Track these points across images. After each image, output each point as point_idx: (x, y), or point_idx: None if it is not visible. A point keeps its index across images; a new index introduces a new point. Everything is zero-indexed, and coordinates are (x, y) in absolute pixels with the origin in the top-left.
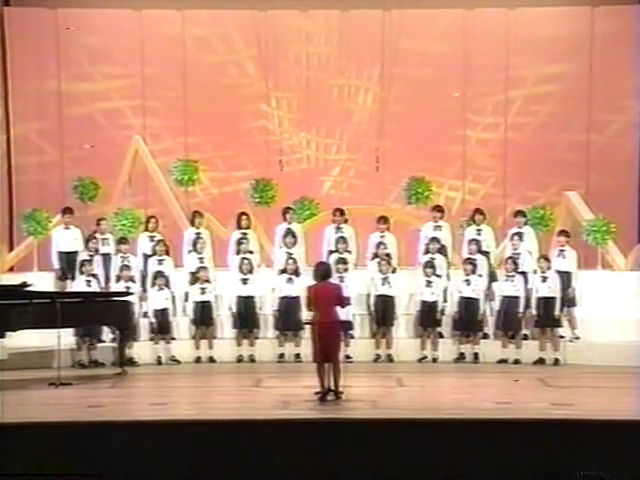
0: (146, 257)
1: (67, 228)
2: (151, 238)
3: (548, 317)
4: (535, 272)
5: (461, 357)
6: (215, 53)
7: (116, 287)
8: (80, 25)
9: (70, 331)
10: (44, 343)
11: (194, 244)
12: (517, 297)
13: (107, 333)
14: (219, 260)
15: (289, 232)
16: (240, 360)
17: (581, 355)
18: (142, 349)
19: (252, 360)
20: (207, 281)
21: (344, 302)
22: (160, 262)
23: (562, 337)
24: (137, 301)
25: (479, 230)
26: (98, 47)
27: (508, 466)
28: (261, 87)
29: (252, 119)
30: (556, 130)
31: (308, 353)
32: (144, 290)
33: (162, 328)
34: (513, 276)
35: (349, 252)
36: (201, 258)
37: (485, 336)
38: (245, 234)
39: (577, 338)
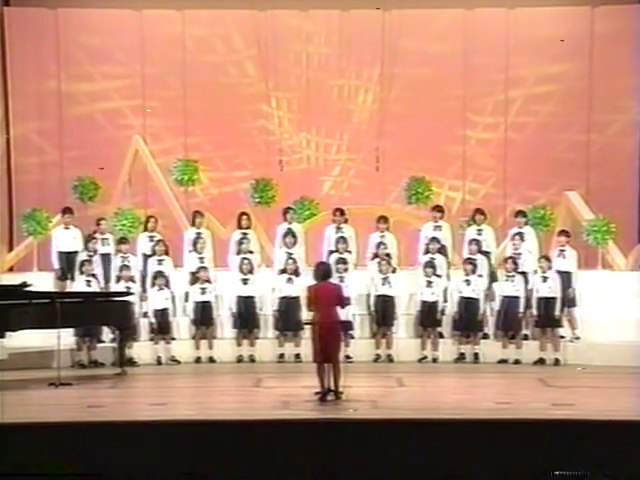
0: (146, 257)
1: (67, 228)
2: (151, 238)
3: (548, 317)
4: (535, 272)
5: (461, 357)
6: (215, 53)
7: (116, 287)
8: (80, 25)
9: (70, 331)
10: (44, 343)
11: (194, 244)
12: (517, 297)
13: (107, 333)
14: (219, 260)
15: (289, 232)
16: (240, 360)
17: (581, 355)
18: (142, 349)
19: (252, 360)
20: (207, 281)
21: (344, 302)
22: (160, 262)
23: (562, 337)
24: (137, 301)
25: (480, 230)
26: (98, 47)
27: (508, 466)
28: (261, 87)
29: (252, 119)
30: (556, 130)
31: (308, 353)
32: (144, 290)
33: (162, 328)
34: (513, 276)
35: (349, 252)
36: (201, 258)
37: (485, 336)
38: (245, 234)
39: (577, 338)
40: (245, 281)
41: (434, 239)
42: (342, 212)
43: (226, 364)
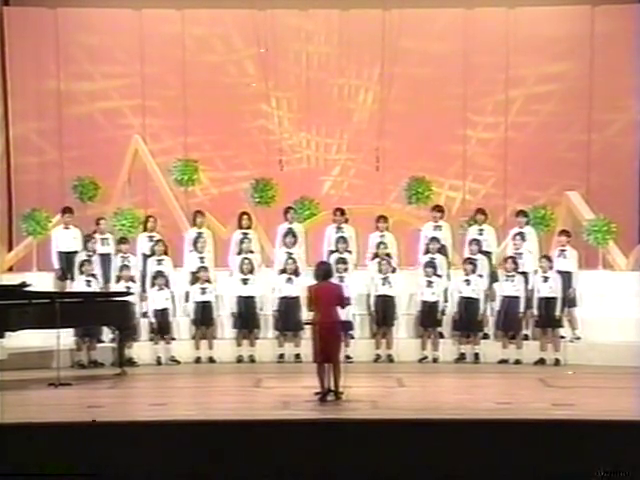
0: (145, 257)
1: (67, 228)
2: (150, 238)
3: (549, 317)
4: (536, 272)
5: (462, 357)
6: (215, 53)
7: (116, 287)
8: (79, 24)
9: (70, 331)
10: (44, 343)
11: (195, 243)
12: (517, 297)
13: (107, 333)
14: (219, 260)
15: (290, 232)
16: (240, 360)
17: (582, 355)
18: (142, 349)
19: (252, 360)
20: (208, 281)
21: (344, 302)
22: (159, 262)
23: (563, 337)
24: (137, 301)
25: (481, 230)
26: (98, 47)
27: (508, 466)
28: (261, 87)
29: (252, 119)
30: (556, 130)
31: (308, 353)
32: (143, 290)
33: (162, 328)
34: (513, 276)
35: (349, 252)
36: (202, 258)
37: (485, 336)
38: (246, 234)
39: (578, 338)
40: (245, 281)
41: (434, 239)
42: (342, 212)
43: (226, 364)
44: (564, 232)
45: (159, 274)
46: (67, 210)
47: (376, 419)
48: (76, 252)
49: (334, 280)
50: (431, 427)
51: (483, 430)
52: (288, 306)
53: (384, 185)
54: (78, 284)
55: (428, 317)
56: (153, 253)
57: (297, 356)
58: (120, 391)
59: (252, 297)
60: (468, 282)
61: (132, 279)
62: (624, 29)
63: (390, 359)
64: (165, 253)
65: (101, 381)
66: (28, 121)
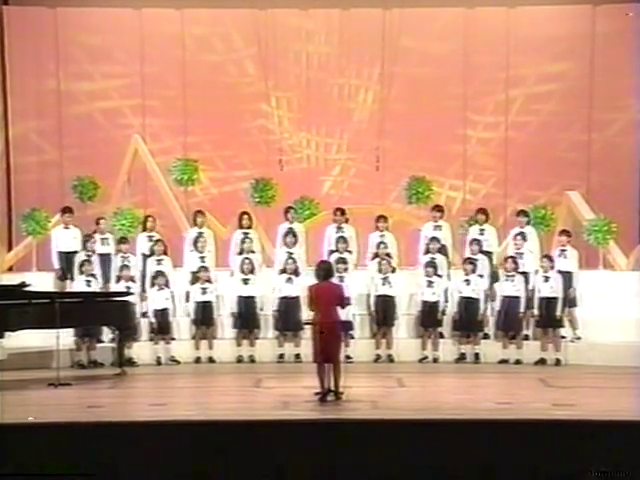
0: (144, 257)
1: (67, 228)
2: (149, 238)
3: (550, 317)
4: (537, 272)
5: (462, 357)
6: (215, 52)
7: (116, 287)
8: (79, 24)
9: (69, 331)
10: (43, 343)
11: (195, 243)
12: (518, 297)
13: (107, 333)
14: (220, 260)
15: (290, 231)
16: (240, 360)
17: (582, 355)
18: (141, 349)
19: (252, 360)
20: (208, 281)
21: (345, 302)
22: (159, 262)
23: (563, 337)
24: (137, 301)
25: (482, 230)
26: (97, 46)
27: (509, 466)
28: (261, 86)
29: (252, 118)
30: (557, 129)
31: (308, 353)
32: (143, 290)
33: (162, 328)
34: (513, 276)
35: (349, 252)
36: (202, 257)
37: (486, 336)
38: (247, 234)
39: (578, 338)
40: (246, 281)
41: (434, 239)
42: (343, 212)
43: (226, 364)
44: (564, 232)
45: (159, 274)
46: (67, 210)
47: (376, 419)
48: (76, 252)
49: (334, 280)
50: (431, 427)
51: (483, 430)
52: (288, 306)
53: (384, 185)
54: (78, 284)
55: (428, 317)
56: (152, 253)
57: (297, 356)
58: (120, 391)
59: (252, 297)
60: (468, 282)
61: (132, 279)
62: (625, 28)
63: (390, 359)
64: (164, 253)
65: (101, 381)
66: (28, 121)
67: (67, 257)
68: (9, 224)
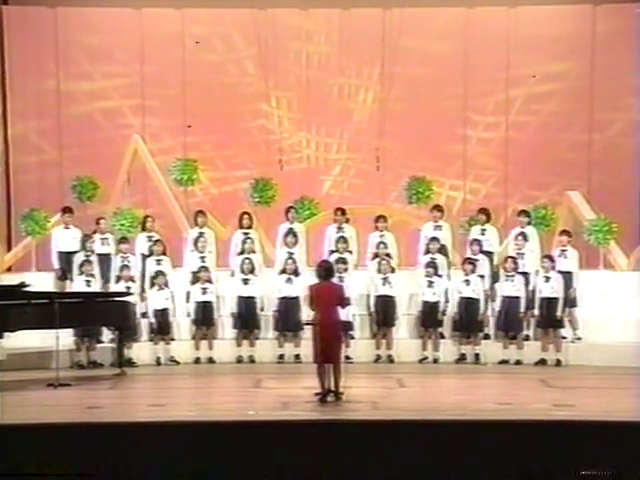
0: (144, 257)
1: (67, 228)
2: (149, 238)
3: (551, 318)
4: (537, 272)
5: (462, 358)
6: (215, 52)
7: (116, 287)
8: (79, 24)
9: (69, 332)
10: (43, 344)
11: (195, 243)
12: (517, 297)
13: (106, 334)
14: (220, 260)
15: (290, 231)
16: (240, 361)
17: (582, 356)
18: (141, 350)
19: (252, 361)
20: (208, 281)
21: (345, 302)
22: (158, 262)
23: (564, 338)
24: (137, 301)
25: (484, 230)
26: (97, 46)
27: (509, 467)
28: (261, 86)
29: (252, 118)
30: (557, 129)
31: (308, 354)
32: (142, 290)
33: (162, 328)
34: (513, 276)
35: (349, 252)
36: (203, 257)
37: (486, 337)
38: (247, 234)
39: (579, 339)
40: (246, 281)
41: (434, 239)
42: (343, 212)
43: (226, 365)
44: (565, 232)
45: (159, 274)
46: (67, 210)
47: (376, 420)
48: (76, 252)
49: (334, 280)
50: (431, 428)
51: (484, 431)
52: (288, 306)
53: (384, 185)
54: (78, 284)
55: (429, 317)
56: (151, 253)
57: (297, 356)
58: (119, 392)
59: (252, 297)
60: (468, 282)
61: (132, 279)
62: (626, 28)
63: (390, 359)
64: (163, 253)
65: (100, 382)
66: (27, 120)
67: (67, 257)
68: (8, 224)
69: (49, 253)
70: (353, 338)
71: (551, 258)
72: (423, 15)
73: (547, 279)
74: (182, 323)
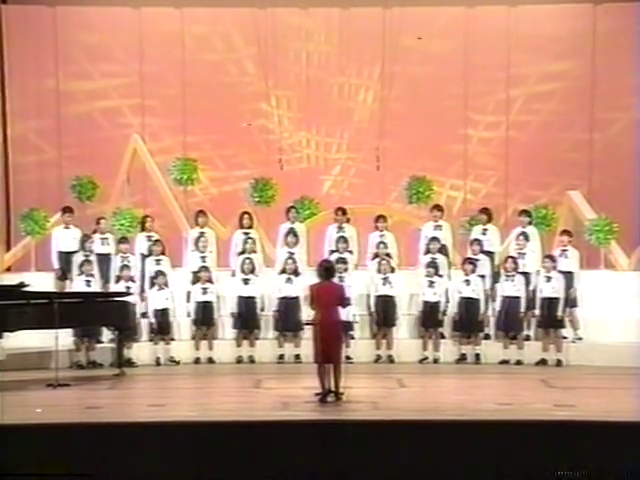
0: (143, 257)
1: (67, 228)
2: (148, 238)
3: (551, 318)
4: (538, 272)
5: (462, 358)
6: (214, 51)
7: (116, 287)
8: (79, 23)
9: (69, 332)
10: (42, 344)
11: (196, 243)
12: (518, 297)
13: (106, 334)
14: (221, 260)
15: (291, 231)
16: (240, 361)
17: (583, 356)
18: (141, 350)
19: (252, 361)
20: (209, 281)
21: (345, 302)
22: (157, 262)
23: (565, 338)
24: (137, 301)
25: (485, 230)
26: (97, 45)
27: (509, 467)
28: (261, 86)
29: (252, 118)
30: (558, 129)
31: (308, 354)
32: (142, 290)
33: (162, 328)
34: (513, 276)
35: (350, 252)
36: (203, 257)
37: (487, 337)
38: (248, 233)
39: (579, 339)
40: (246, 281)
41: (434, 239)
42: (344, 211)
43: (225, 365)
44: (566, 232)
45: (159, 274)
46: (67, 210)
47: (376, 420)
48: (76, 252)
49: (335, 280)
50: (432, 428)
51: (484, 431)
52: (288, 306)
53: (384, 185)
54: (77, 284)
55: (429, 317)
56: (151, 253)
57: (297, 357)
58: (119, 392)
59: (253, 297)
60: (468, 282)
61: (132, 279)
62: (626, 27)
63: (391, 360)
64: (163, 253)
65: (100, 382)
66: (27, 120)
67: (67, 257)
68: (8, 224)
69: (49, 253)
70: (353, 338)
71: (552, 258)
72: (423, 14)
73: (548, 279)
74: (182, 323)
